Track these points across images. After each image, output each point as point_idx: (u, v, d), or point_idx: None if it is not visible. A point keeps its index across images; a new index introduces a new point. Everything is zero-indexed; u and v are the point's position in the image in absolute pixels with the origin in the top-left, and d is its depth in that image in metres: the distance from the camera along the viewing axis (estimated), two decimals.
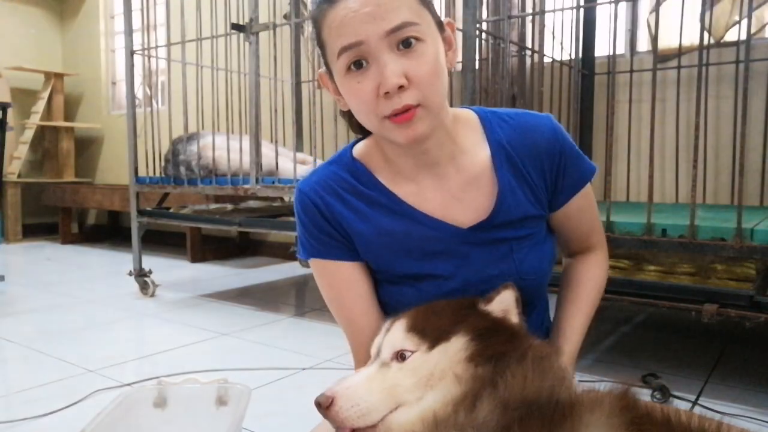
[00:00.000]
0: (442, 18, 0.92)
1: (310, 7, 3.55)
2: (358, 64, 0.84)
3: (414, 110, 0.84)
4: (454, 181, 0.96)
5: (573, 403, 0.70)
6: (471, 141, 0.97)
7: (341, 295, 1.00)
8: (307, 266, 3.79)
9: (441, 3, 2.79)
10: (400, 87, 0.82)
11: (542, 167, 0.97)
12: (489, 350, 0.78)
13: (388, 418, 0.76)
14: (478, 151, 0.97)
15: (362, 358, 0.95)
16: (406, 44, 0.83)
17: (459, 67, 1.93)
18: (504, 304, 0.87)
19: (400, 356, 0.80)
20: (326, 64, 0.91)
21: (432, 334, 0.80)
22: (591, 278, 1.07)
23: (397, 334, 0.82)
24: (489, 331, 0.81)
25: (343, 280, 0.99)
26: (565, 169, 0.98)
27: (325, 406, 0.76)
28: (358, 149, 1.02)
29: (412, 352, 0.80)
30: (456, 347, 0.79)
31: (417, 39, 0.83)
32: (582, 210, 1.04)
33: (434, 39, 0.86)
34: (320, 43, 0.90)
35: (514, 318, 0.87)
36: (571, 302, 1.05)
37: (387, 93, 0.83)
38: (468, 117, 1.00)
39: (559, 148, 0.97)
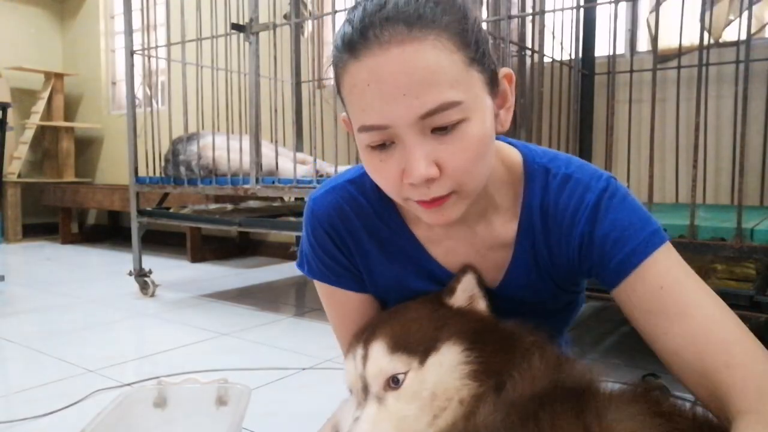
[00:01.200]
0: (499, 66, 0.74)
1: (310, 7, 3.56)
2: (381, 145, 0.70)
3: (447, 198, 0.71)
4: (481, 238, 0.84)
5: (593, 388, 0.66)
6: (507, 198, 0.83)
7: (344, 318, 0.93)
8: None
9: None
10: (430, 179, 0.68)
11: (567, 246, 0.80)
12: (490, 364, 0.72)
13: None
14: (510, 214, 0.83)
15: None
16: (442, 128, 0.67)
17: None
18: (468, 290, 0.81)
19: (394, 381, 0.72)
20: (346, 110, 0.76)
21: (418, 347, 0.73)
22: None
23: (381, 359, 0.74)
24: (478, 335, 0.75)
25: (348, 309, 0.92)
26: (602, 250, 0.77)
27: None
28: None
29: (405, 373, 0.72)
30: (451, 359, 0.72)
31: (460, 120, 0.66)
32: (651, 313, 0.73)
33: (481, 110, 0.69)
34: (340, 94, 0.73)
35: (481, 302, 0.82)
36: None
37: (412, 184, 0.69)
38: (513, 164, 0.83)
39: (588, 227, 0.77)
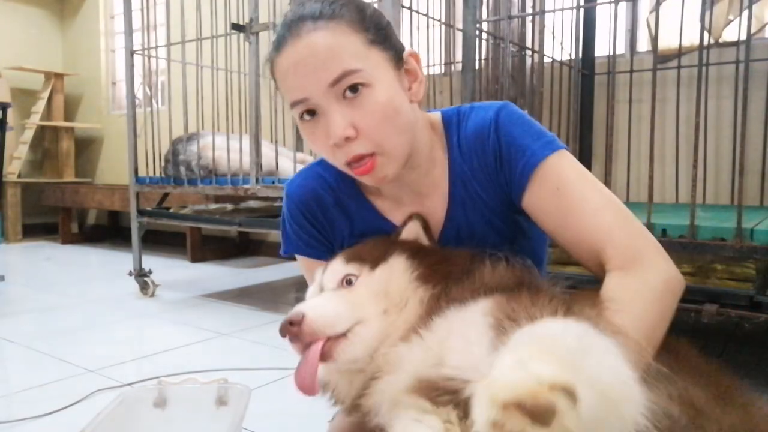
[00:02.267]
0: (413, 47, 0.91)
1: None
2: (310, 113, 0.84)
3: (372, 159, 0.84)
4: (427, 196, 0.96)
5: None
6: (440, 153, 0.95)
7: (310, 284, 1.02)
8: None
9: (441, 3, 2.79)
10: (347, 138, 0.81)
11: (489, 167, 0.91)
12: (435, 269, 0.81)
13: (354, 329, 0.77)
14: (444, 165, 0.95)
15: None
16: (353, 90, 0.81)
17: (459, 67, 1.93)
18: (412, 234, 0.91)
19: (347, 281, 0.83)
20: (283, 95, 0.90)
21: (370, 259, 0.84)
22: (621, 290, 0.77)
23: (337, 266, 0.85)
24: (421, 250, 0.86)
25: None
26: (505, 160, 0.89)
27: (297, 322, 0.76)
28: None
29: (356, 276, 0.83)
30: (398, 266, 0.83)
31: (363, 85, 0.81)
32: (551, 209, 0.86)
33: (385, 79, 0.83)
34: (277, 87, 0.89)
35: (425, 240, 0.91)
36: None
37: (336, 144, 0.82)
38: (436, 125, 0.97)
39: (493, 139, 0.89)
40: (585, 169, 0.87)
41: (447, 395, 0.66)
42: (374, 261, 0.84)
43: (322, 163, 1.01)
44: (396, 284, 0.81)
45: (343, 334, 0.78)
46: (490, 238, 0.94)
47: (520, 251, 0.85)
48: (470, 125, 0.93)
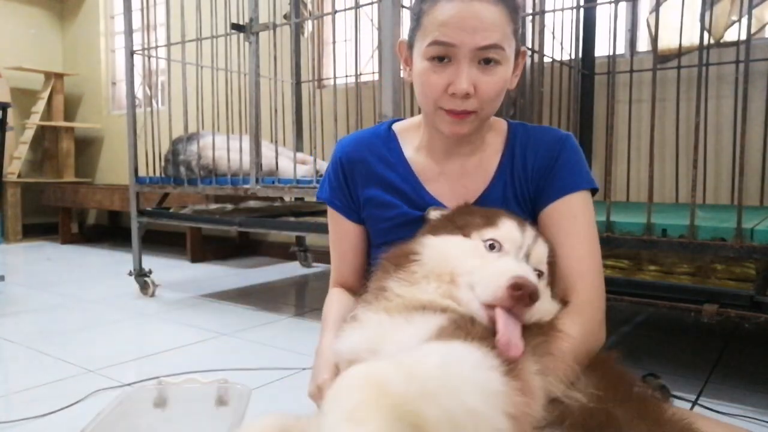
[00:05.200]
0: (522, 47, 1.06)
1: (310, 7, 3.55)
2: (441, 58, 0.96)
3: (468, 114, 0.99)
4: (469, 171, 1.09)
5: None
6: (494, 142, 1.11)
7: (340, 242, 1.20)
8: (308, 266, 3.78)
9: None
10: (467, 94, 0.96)
11: (540, 170, 1.06)
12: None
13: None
14: (495, 153, 1.10)
15: (337, 278, 1.21)
16: (486, 61, 0.96)
17: None
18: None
19: (539, 275, 0.87)
20: (411, 36, 1.03)
21: (552, 278, 0.92)
22: (562, 331, 0.86)
23: (543, 254, 0.90)
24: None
25: (343, 234, 1.19)
26: (554, 173, 1.04)
27: (529, 291, 0.74)
28: (398, 124, 1.18)
29: (541, 279, 0.88)
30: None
31: (497, 62, 0.96)
32: (561, 228, 1.00)
33: (509, 64, 0.99)
34: (418, 19, 1.00)
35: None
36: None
37: (454, 94, 0.96)
38: (500, 124, 1.13)
39: (557, 153, 1.05)
40: (594, 218, 1.04)
41: None
42: (552, 282, 0.92)
43: (372, 130, 1.17)
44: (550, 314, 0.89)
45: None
46: None
47: None
48: (539, 135, 1.08)
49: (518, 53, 1.03)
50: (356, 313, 0.87)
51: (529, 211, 1.07)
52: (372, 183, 1.12)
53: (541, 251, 0.89)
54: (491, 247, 0.85)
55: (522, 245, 0.87)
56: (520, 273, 0.76)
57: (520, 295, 0.74)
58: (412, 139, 1.13)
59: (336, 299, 1.15)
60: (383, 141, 1.14)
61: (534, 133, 1.10)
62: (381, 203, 1.11)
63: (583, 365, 0.85)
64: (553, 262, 0.93)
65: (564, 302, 0.94)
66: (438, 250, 0.87)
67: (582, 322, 0.91)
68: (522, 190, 1.07)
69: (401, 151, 1.13)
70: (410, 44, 1.04)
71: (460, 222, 0.92)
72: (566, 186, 1.02)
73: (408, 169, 1.11)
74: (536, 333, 0.79)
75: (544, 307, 0.85)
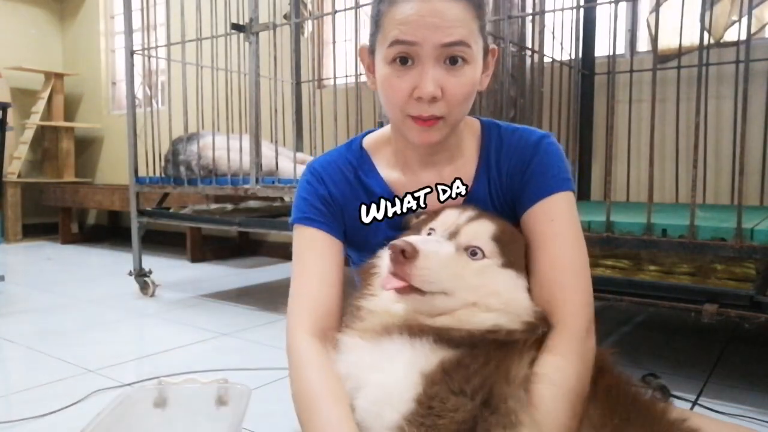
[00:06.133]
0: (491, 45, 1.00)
1: (310, 7, 3.55)
2: (403, 60, 0.90)
3: (437, 121, 0.92)
4: (448, 179, 1.04)
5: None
6: (469, 147, 1.06)
7: (319, 257, 1.03)
8: None
9: None
10: (434, 98, 0.90)
11: (515, 177, 1.01)
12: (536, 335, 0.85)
13: (437, 296, 0.83)
14: (471, 159, 1.05)
15: (311, 316, 0.99)
16: (453, 61, 0.90)
17: None
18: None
19: (472, 252, 0.86)
20: (372, 42, 0.97)
21: (508, 257, 0.88)
22: (542, 375, 0.82)
23: (481, 233, 0.88)
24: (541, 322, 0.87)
25: (323, 252, 1.03)
26: (528, 179, 0.99)
27: (408, 255, 0.80)
28: (368, 139, 1.10)
29: (484, 256, 0.86)
30: (524, 295, 0.87)
31: (464, 60, 0.90)
32: (539, 232, 0.94)
33: (478, 63, 0.93)
34: (377, 22, 0.94)
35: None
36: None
37: (420, 98, 0.90)
38: (474, 126, 1.08)
39: (529, 158, 1.00)
40: (577, 216, 0.98)
41: None
42: (511, 262, 0.88)
43: (345, 147, 1.11)
44: (514, 302, 0.86)
45: (424, 293, 0.82)
46: None
47: None
48: (514, 141, 1.03)
49: (487, 51, 0.97)
50: (338, 339, 0.89)
51: (511, 214, 1.03)
52: (351, 205, 1.05)
53: (473, 229, 0.88)
54: (429, 234, 0.91)
55: (450, 226, 0.90)
56: (401, 239, 0.81)
57: (392, 255, 0.80)
58: (384, 155, 1.07)
59: (319, 366, 0.91)
60: (357, 161, 1.07)
61: (507, 137, 1.04)
62: (360, 226, 1.05)
63: (585, 390, 0.84)
64: (503, 239, 0.89)
65: (546, 313, 0.89)
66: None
67: (569, 345, 0.86)
68: (499, 193, 1.04)
69: (377, 171, 1.07)
70: (371, 50, 0.97)
71: (417, 224, 0.98)
72: (540, 190, 0.97)
73: (385, 188, 1.05)
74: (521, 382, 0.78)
75: (472, 283, 0.84)
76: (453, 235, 0.88)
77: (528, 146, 1.01)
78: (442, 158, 1.04)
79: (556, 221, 0.94)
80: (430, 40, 0.87)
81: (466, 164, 1.05)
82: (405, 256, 0.79)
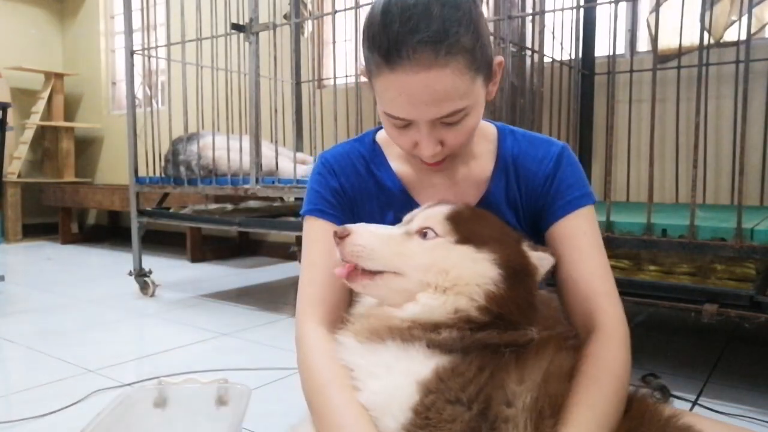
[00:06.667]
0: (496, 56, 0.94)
1: (310, 7, 3.55)
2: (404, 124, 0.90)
3: (443, 160, 0.94)
4: (460, 181, 1.04)
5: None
6: (484, 150, 1.05)
7: (324, 255, 1.00)
8: None
9: None
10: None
11: (536, 188, 1.01)
12: (517, 310, 0.81)
13: (385, 276, 0.84)
14: (486, 161, 1.04)
15: (322, 308, 0.97)
16: (451, 121, 0.87)
17: None
18: (543, 262, 0.90)
19: (423, 234, 0.86)
20: (368, 73, 0.90)
21: (465, 233, 0.86)
22: (603, 358, 0.88)
23: (434, 214, 0.88)
24: (516, 275, 0.83)
25: (327, 240, 0.96)
26: (554, 193, 0.99)
27: (340, 235, 0.84)
28: (381, 133, 1.09)
29: (437, 235, 0.85)
30: (484, 267, 0.82)
31: (463, 115, 0.87)
32: (571, 246, 0.96)
33: (480, 103, 0.90)
34: (370, 80, 0.90)
35: (542, 269, 0.90)
36: (575, 392, 0.81)
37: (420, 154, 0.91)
38: (488, 130, 1.07)
39: (553, 172, 1.00)
40: (598, 226, 1.01)
41: None
42: (466, 237, 0.85)
43: (358, 140, 1.10)
44: (466, 277, 0.82)
45: (377, 273, 0.83)
46: None
47: None
48: (531, 151, 1.02)
49: (491, 67, 0.90)
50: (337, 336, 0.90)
51: (528, 222, 1.03)
52: (362, 198, 1.05)
53: (426, 213, 0.90)
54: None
55: (408, 217, 0.92)
56: (349, 225, 0.86)
57: (335, 238, 0.85)
58: (396, 149, 1.05)
59: (326, 350, 0.91)
60: (369, 154, 1.07)
61: (525, 145, 1.03)
62: (370, 219, 1.02)
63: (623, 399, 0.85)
64: (458, 217, 0.88)
65: (588, 323, 0.92)
66: None
67: (617, 346, 0.92)
68: (517, 197, 1.03)
69: (389, 165, 1.06)
70: (369, 78, 0.91)
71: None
72: (569, 205, 0.98)
73: (397, 183, 1.05)
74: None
75: (423, 262, 0.84)
76: (407, 222, 0.91)
77: (550, 158, 1.01)
78: (456, 160, 1.03)
79: (589, 234, 0.97)
80: (422, 117, 0.85)
81: (479, 166, 1.04)
82: (339, 237, 0.83)
